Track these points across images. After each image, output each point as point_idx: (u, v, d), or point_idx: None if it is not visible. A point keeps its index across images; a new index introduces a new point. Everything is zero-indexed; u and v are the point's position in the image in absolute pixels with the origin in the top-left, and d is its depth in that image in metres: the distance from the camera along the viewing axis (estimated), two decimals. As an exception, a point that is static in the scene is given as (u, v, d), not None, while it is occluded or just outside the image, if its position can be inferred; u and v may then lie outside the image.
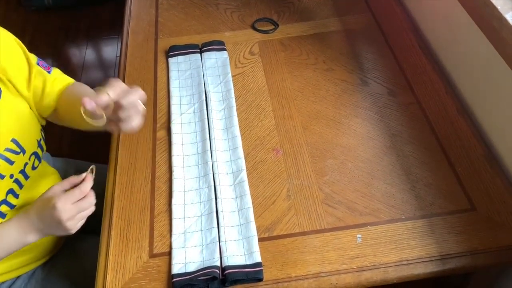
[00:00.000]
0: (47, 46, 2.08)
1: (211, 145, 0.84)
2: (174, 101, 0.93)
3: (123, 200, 0.79)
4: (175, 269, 0.69)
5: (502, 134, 0.80)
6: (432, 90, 0.91)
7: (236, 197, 0.77)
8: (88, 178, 0.69)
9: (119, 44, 1.06)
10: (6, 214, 0.73)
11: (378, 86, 0.94)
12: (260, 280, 0.67)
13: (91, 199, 0.69)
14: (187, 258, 0.70)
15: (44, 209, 0.67)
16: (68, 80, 0.85)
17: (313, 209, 0.76)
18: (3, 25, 0.78)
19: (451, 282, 0.84)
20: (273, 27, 1.09)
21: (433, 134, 0.84)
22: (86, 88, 0.84)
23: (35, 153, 0.75)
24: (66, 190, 0.68)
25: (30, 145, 0.74)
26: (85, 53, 2.06)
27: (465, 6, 0.80)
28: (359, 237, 0.72)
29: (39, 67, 0.78)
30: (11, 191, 0.72)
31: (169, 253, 0.71)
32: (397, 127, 0.86)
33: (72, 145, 1.63)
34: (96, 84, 0.79)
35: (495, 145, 0.81)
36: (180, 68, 1.00)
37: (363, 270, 0.68)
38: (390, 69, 0.97)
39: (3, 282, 0.82)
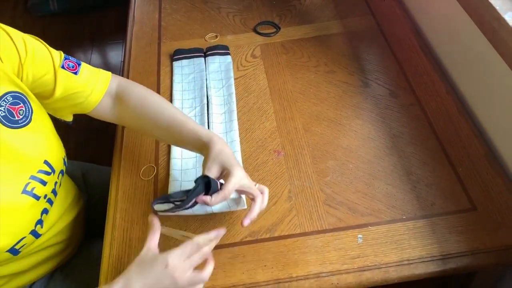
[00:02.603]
0: (53, 51, 2.11)
1: None
2: (176, 104, 0.94)
3: (127, 202, 0.80)
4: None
5: (503, 134, 0.80)
6: (433, 91, 0.91)
7: (231, 200, 0.77)
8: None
9: (124, 49, 1.08)
10: (41, 234, 0.73)
11: (379, 88, 0.94)
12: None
13: (206, 250, 0.64)
14: None
15: (152, 276, 0.61)
16: (104, 78, 0.78)
17: (314, 210, 0.76)
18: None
19: (453, 282, 0.84)
20: (274, 30, 1.09)
21: (434, 135, 0.84)
22: (169, 112, 0.77)
23: (61, 171, 0.75)
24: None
25: (58, 164, 0.73)
26: (90, 58, 2.08)
27: (464, 7, 0.81)
28: (360, 237, 0.72)
29: (63, 71, 0.72)
30: (44, 211, 0.72)
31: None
32: (398, 128, 0.87)
33: (77, 148, 1.65)
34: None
35: (496, 145, 0.82)
36: (183, 72, 1.01)
37: (364, 270, 0.69)
38: (391, 70, 0.97)
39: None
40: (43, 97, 0.73)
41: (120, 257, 0.73)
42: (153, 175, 0.83)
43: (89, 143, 1.69)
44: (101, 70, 0.79)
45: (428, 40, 1.03)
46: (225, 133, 0.88)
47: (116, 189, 0.82)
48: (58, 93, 0.72)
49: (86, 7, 2.29)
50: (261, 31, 1.10)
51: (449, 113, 0.87)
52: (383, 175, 0.80)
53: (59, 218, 0.80)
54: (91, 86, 0.76)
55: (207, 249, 0.64)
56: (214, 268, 0.69)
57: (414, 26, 1.06)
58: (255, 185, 0.70)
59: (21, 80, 0.68)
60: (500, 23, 0.69)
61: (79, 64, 0.76)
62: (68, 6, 2.28)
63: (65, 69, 0.73)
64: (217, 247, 0.72)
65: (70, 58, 0.75)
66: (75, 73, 0.74)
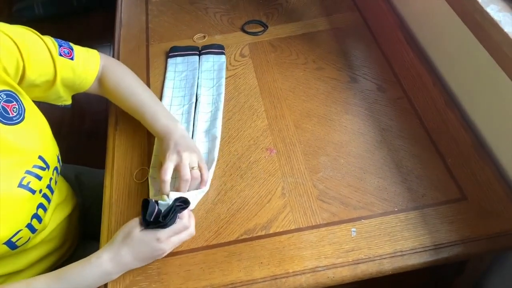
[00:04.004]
0: (40, 56, 2.09)
1: None
2: (165, 101, 0.94)
3: (121, 205, 0.80)
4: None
5: (489, 124, 0.82)
6: (420, 84, 0.93)
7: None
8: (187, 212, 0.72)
9: (111, 52, 1.08)
10: (37, 229, 0.74)
11: (367, 83, 0.95)
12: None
13: (192, 231, 0.72)
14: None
15: (140, 245, 0.68)
16: (95, 58, 0.85)
17: (308, 205, 0.77)
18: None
19: (446, 271, 0.85)
20: (262, 28, 1.10)
21: (423, 127, 0.86)
22: (139, 95, 0.86)
23: (56, 168, 0.77)
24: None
25: (52, 160, 0.76)
26: (78, 62, 2.07)
27: (448, 0, 0.82)
28: (353, 231, 0.73)
29: (61, 58, 0.78)
30: (40, 206, 0.73)
31: (168, 255, 0.72)
32: (387, 121, 0.88)
33: (69, 150, 1.65)
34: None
35: (483, 134, 0.83)
36: (177, 69, 1.01)
37: (359, 263, 0.70)
38: (379, 65, 0.99)
39: None
40: (47, 86, 0.78)
41: (117, 260, 0.73)
42: (146, 178, 0.83)
43: (81, 147, 1.68)
44: (90, 50, 0.86)
45: (414, 34, 1.04)
46: (208, 131, 0.88)
47: (110, 192, 0.82)
48: (59, 80, 0.78)
49: (72, 11, 2.28)
50: (249, 30, 1.10)
51: (437, 105, 0.89)
52: (374, 168, 0.81)
53: (52, 215, 0.81)
54: (86, 69, 0.83)
55: (192, 229, 0.72)
56: (211, 267, 0.71)
57: (400, 20, 1.07)
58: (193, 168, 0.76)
59: (24, 76, 0.72)
60: (483, 16, 0.71)
61: (72, 49, 0.81)
62: (54, 10, 2.26)
63: (63, 56, 0.78)
64: (213, 247, 0.73)
65: (63, 44, 0.80)
66: (72, 59, 0.80)
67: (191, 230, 0.72)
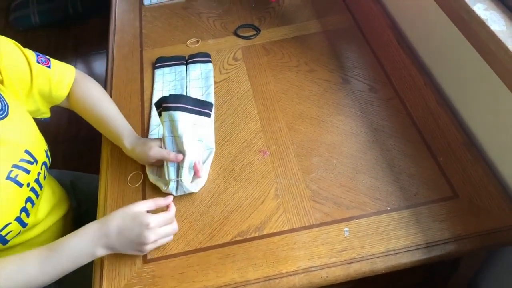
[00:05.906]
0: (37, 64, 2.09)
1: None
2: (155, 112, 0.94)
3: (115, 209, 0.80)
4: None
5: (480, 122, 0.82)
6: (412, 84, 0.93)
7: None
8: (172, 205, 0.74)
9: (106, 58, 1.08)
10: (27, 223, 0.75)
11: (359, 84, 0.96)
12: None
13: (175, 227, 0.74)
14: None
15: (130, 225, 0.69)
16: (70, 70, 0.88)
17: (301, 206, 0.77)
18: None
19: (440, 269, 0.85)
20: (255, 32, 1.11)
21: (414, 126, 0.86)
22: (107, 109, 0.88)
23: (44, 163, 0.78)
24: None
25: (40, 155, 0.77)
26: (75, 69, 2.08)
27: (437, 0, 0.83)
28: (346, 231, 0.73)
29: (39, 65, 0.81)
30: (29, 199, 0.75)
31: (162, 258, 0.73)
32: (379, 122, 0.88)
33: (65, 157, 1.65)
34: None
35: (474, 133, 0.84)
36: (165, 80, 1.01)
37: (352, 262, 0.70)
38: (370, 66, 0.99)
39: None
40: (24, 94, 0.80)
41: (111, 264, 0.73)
42: (140, 182, 0.84)
43: (77, 154, 1.69)
44: (65, 64, 0.88)
45: (405, 35, 1.05)
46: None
47: (104, 196, 0.83)
48: (35, 88, 0.80)
49: (67, 19, 2.29)
50: (241, 34, 1.11)
51: (428, 104, 0.89)
52: (367, 168, 0.81)
53: (47, 214, 0.82)
54: (62, 79, 0.85)
55: (175, 225, 0.73)
56: (205, 269, 0.71)
57: (391, 22, 1.08)
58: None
59: (2, 82, 0.74)
60: (470, 15, 0.71)
61: (49, 59, 0.84)
62: (50, 18, 2.27)
63: (40, 63, 0.81)
64: (207, 249, 0.74)
65: (40, 55, 0.83)
66: (49, 67, 0.83)
67: (175, 226, 0.73)
